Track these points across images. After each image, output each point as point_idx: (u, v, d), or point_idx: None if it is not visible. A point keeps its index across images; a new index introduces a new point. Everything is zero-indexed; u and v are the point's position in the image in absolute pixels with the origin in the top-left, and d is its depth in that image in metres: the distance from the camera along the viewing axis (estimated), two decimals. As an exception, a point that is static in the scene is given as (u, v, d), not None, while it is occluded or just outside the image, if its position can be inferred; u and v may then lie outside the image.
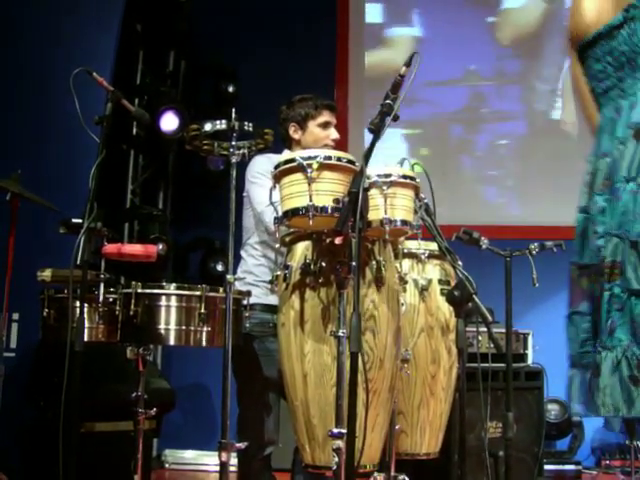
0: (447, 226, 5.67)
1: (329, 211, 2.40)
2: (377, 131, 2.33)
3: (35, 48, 4.72)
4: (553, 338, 4.84)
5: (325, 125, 3.47)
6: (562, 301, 5.52)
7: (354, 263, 2.29)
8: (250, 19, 6.22)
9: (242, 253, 3.49)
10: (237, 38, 6.08)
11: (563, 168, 5.74)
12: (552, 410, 5.24)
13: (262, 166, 3.32)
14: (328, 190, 2.43)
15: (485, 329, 2.71)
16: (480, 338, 3.90)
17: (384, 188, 2.53)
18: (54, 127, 4.42)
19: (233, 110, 2.86)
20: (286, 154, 3.36)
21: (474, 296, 2.53)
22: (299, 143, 3.47)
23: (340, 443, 2.33)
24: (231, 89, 6.06)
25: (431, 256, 3.16)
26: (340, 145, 3.57)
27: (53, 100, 4.00)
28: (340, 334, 2.36)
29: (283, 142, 3.54)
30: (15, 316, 4.70)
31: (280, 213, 2.56)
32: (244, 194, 3.44)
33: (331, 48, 6.38)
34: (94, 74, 2.92)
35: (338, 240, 2.40)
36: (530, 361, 4.48)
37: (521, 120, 6.26)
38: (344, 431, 2.30)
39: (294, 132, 3.47)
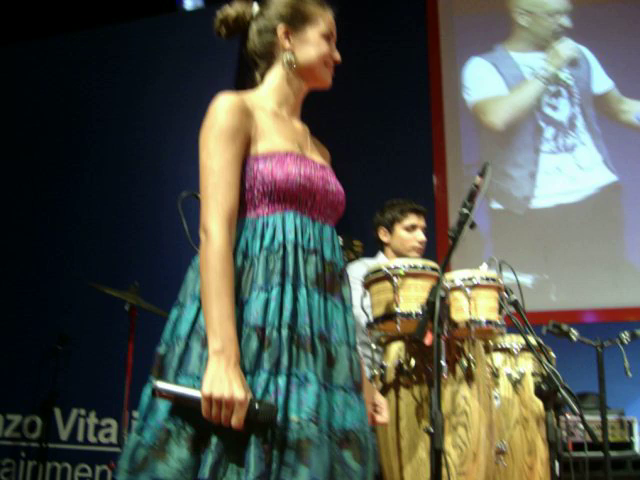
0: (556, 312, 5.68)
1: (415, 316, 2.59)
2: (455, 239, 2.51)
3: (147, 169, 5.15)
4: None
5: (412, 228, 3.68)
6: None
7: (443, 363, 2.45)
8: (350, 117, 6.39)
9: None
10: (336, 135, 6.23)
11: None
12: (669, 498, 5.09)
13: (358, 271, 3.54)
14: (413, 296, 2.62)
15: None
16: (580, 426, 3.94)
17: (467, 291, 2.71)
18: (166, 241, 4.77)
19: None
20: (379, 259, 3.60)
21: (561, 389, 2.63)
22: (389, 246, 3.69)
23: (437, 536, 2.44)
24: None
25: (523, 349, 3.28)
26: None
27: (164, 218, 4.34)
28: (432, 430, 2.51)
29: (378, 245, 3.78)
30: (135, 414, 4.99)
31: (371, 318, 2.76)
32: (343, 297, 3.66)
33: (427, 139, 6.48)
34: (199, 196, 3.21)
35: (428, 341, 2.56)
36: (637, 449, 4.43)
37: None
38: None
39: (383, 235, 3.71)
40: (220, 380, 1.64)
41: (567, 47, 6.41)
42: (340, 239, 3.16)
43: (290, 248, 1.84)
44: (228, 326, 1.69)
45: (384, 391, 2.87)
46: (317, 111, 2.18)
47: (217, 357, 1.67)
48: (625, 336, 3.44)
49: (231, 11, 2.11)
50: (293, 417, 1.70)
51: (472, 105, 6.58)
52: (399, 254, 3.70)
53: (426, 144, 6.44)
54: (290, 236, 1.85)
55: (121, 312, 4.07)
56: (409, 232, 3.69)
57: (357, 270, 3.58)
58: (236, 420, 1.64)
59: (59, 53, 6.17)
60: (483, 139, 6.50)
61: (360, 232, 3.96)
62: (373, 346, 3.10)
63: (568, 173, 6.17)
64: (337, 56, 2.08)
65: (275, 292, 1.78)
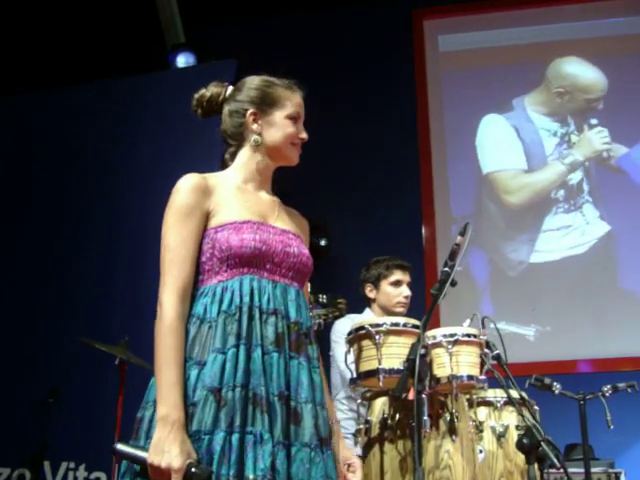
0: (552, 362, 5.66)
1: (397, 373, 2.64)
2: (437, 296, 2.57)
3: (137, 225, 5.21)
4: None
5: (397, 283, 3.76)
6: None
7: (426, 418, 2.50)
8: (339, 171, 6.47)
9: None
10: (326, 190, 6.29)
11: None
12: None
13: (344, 327, 3.61)
14: (395, 353, 2.69)
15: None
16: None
17: (449, 347, 2.77)
18: (156, 297, 4.83)
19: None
20: (366, 314, 3.67)
21: (542, 443, 2.67)
22: (375, 301, 3.77)
23: None
24: (323, 243, 5.96)
25: (507, 403, 3.31)
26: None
27: (155, 274, 4.40)
28: (415, 485, 2.55)
29: (365, 301, 3.85)
30: (123, 467, 4.98)
31: (355, 374, 2.81)
32: (330, 353, 3.73)
33: (416, 192, 6.53)
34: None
35: (411, 396, 2.62)
36: (624, 502, 4.43)
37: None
38: None
39: (370, 292, 3.78)
40: (161, 449, 1.76)
41: (600, 140, 6.37)
42: (324, 297, 3.24)
43: (245, 309, 1.93)
44: (174, 393, 1.81)
45: (369, 445, 2.91)
46: (302, 166, 2.26)
47: (162, 422, 1.79)
48: (606, 389, 3.50)
49: (206, 92, 2.23)
50: (249, 475, 1.76)
51: (488, 173, 6.53)
52: (385, 309, 3.76)
53: (416, 196, 6.50)
54: (246, 299, 1.94)
55: (111, 366, 4.11)
56: (395, 287, 3.76)
57: (343, 326, 3.64)
58: None
59: (53, 107, 6.25)
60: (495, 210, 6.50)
61: (349, 287, 4.01)
62: (359, 400, 3.15)
63: (572, 230, 6.22)
64: (304, 135, 2.19)
65: (231, 353, 1.87)
